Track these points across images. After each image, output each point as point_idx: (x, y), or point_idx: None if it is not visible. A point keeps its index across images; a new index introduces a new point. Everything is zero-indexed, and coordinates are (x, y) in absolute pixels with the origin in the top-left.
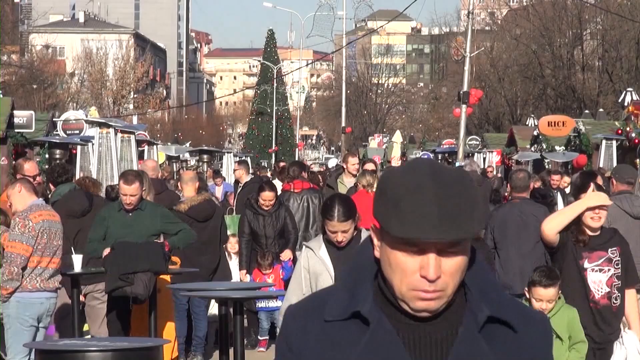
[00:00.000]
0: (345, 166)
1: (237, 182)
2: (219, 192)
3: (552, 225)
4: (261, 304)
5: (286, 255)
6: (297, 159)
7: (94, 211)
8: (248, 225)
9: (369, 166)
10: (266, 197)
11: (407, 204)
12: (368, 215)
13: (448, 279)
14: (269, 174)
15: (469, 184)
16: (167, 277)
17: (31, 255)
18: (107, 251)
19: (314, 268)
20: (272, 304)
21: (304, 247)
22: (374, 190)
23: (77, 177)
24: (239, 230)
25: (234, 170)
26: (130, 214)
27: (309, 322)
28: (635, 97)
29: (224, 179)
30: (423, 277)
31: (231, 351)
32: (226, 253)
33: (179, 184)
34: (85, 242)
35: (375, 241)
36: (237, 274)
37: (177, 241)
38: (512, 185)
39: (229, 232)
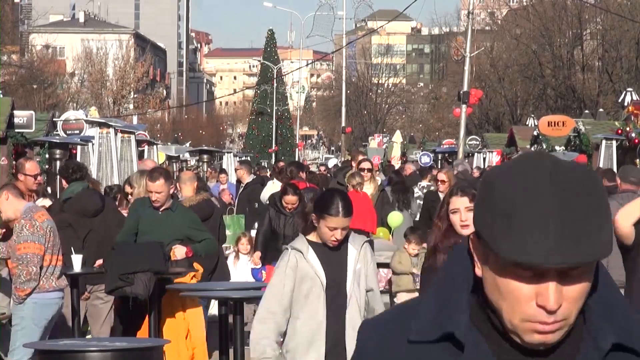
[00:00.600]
0: (353, 164)
1: (238, 181)
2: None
3: (627, 218)
4: None
5: None
6: (297, 159)
7: (106, 212)
8: (269, 223)
9: (366, 164)
10: (289, 201)
11: (520, 218)
12: (360, 217)
13: (570, 306)
14: (268, 174)
15: (599, 188)
16: (194, 279)
17: (44, 254)
18: (99, 262)
19: (303, 272)
20: None
21: (289, 249)
22: (364, 189)
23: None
24: (262, 224)
25: (236, 169)
26: (160, 213)
27: (389, 341)
28: (635, 97)
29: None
30: (541, 307)
31: (231, 351)
32: (233, 253)
33: (177, 184)
34: (95, 242)
35: (476, 258)
36: (243, 274)
37: (200, 249)
38: None
39: (229, 232)
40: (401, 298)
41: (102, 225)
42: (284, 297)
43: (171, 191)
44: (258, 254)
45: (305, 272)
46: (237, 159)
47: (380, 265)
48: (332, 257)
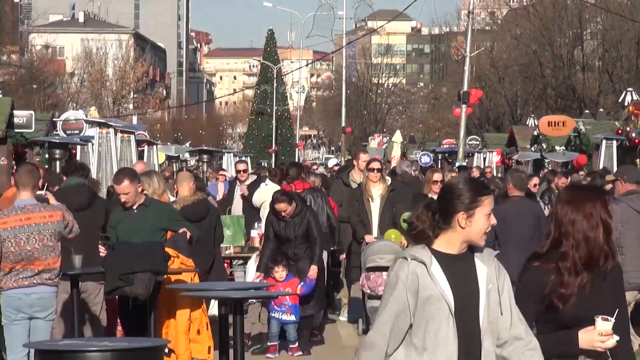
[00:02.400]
0: (355, 163)
1: (235, 180)
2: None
3: None
4: (274, 314)
5: (313, 273)
6: (297, 159)
7: (93, 212)
8: (272, 229)
9: (375, 165)
10: (280, 209)
11: None
12: None
13: None
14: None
15: None
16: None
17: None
18: (103, 250)
19: (426, 292)
20: (285, 317)
21: (408, 259)
22: (373, 190)
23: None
24: (265, 233)
25: (243, 170)
26: (135, 211)
27: None
28: (635, 97)
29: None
30: None
31: (231, 351)
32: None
33: (174, 185)
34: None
35: None
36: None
37: (192, 231)
38: (513, 184)
39: (229, 232)
40: None
41: (85, 224)
42: (402, 319)
43: (139, 189)
44: (257, 274)
45: (429, 290)
46: (238, 158)
47: (381, 268)
48: (460, 273)
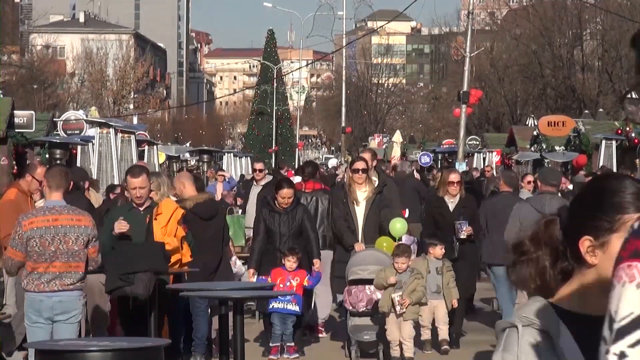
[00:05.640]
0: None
1: (252, 180)
2: (220, 188)
3: None
4: (277, 304)
5: (318, 265)
6: (297, 159)
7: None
8: (263, 224)
9: (359, 165)
10: (285, 194)
11: None
12: None
13: None
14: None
15: None
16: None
17: (25, 260)
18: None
19: None
20: (290, 307)
21: (519, 325)
22: (359, 192)
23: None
24: (254, 229)
25: (259, 169)
26: (142, 212)
27: None
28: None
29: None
30: None
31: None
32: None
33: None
34: None
35: None
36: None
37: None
38: (504, 181)
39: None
40: (390, 323)
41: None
42: None
43: (156, 194)
44: (251, 271)
45: None
46: (238, 158)
47: (363, 281)
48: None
